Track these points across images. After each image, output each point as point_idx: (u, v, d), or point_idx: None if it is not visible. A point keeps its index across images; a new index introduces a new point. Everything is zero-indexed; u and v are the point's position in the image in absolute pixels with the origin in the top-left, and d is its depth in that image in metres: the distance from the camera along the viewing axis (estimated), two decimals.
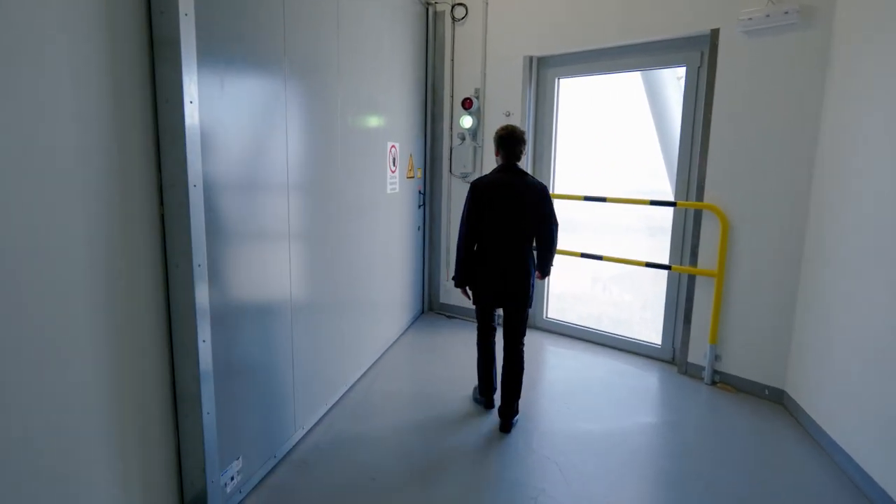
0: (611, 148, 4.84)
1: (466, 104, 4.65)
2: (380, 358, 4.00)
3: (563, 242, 4.64)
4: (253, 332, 2.33)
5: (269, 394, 2.49)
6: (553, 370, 3.93)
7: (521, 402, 3.24)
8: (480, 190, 2.87)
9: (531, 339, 4.54)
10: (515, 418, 3.08)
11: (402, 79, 4.24)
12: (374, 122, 3.66)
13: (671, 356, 4.08)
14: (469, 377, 3.69)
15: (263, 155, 2.34)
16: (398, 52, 4.10)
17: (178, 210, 1.84)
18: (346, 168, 3.18)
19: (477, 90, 4.71)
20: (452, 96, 4.87)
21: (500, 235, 2.87)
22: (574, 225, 4.74)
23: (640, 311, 4.61)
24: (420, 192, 4.78)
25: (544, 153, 4.59)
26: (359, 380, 3.59)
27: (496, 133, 2.94)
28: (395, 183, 4.16)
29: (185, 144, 1.79)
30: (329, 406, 3.15)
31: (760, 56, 3.28)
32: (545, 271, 3.06)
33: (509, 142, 2.88)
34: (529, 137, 4.56)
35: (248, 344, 2.30)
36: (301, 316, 2.73)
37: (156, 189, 1.84)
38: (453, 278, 3.08)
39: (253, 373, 2.35)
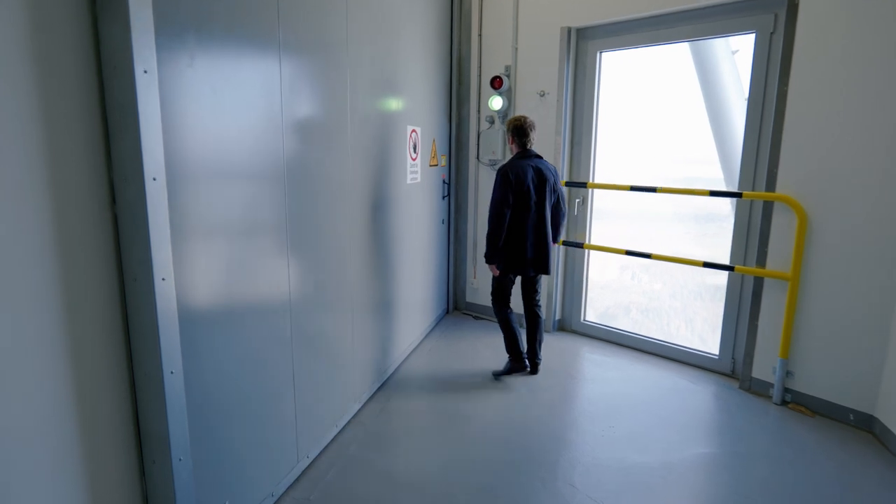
0: (655, 131, 4.30)
1: (496, 84, 4.17)
2: (399, 367, 3.61)
3: (599, 236, 4.16)
4: (241, 352, 1.96)
5: (263, 423, 2.11)
6: (593, 383, 3.47)
7: (557, 421, 2.95)
8: (514, 175, 3.17)
9: (567, 345, 4.08)
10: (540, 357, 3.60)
11: (424, 56, 3.79)
12: (391, 104, 3.23)
13: (730, 369, 3.57)
14: (515, 389, 3.27)
15: (253, 142, 1.94)
16: (419, 26, 3.65)
17: (133, 210, 1.45)
18: (357, 156, 2.77)
19: (507, 68, 4.22)
20: (480, 75, 4.40)
21: (532, 213, 3.24)
22: (604, 214, 4.24)
23: (670, 299, 4.20)
24: (444, 181, 4.35)
25: (583, 138, 4.09)
26: (375, 394, 3.21)
27: (511, 125, 3.31)
28: (416, 172, 3.73)
29: (138, 126, 1.40)
30: (339, 428, 2.77)
31: (855, 15, 2.71)
32: (558, 238, 3.52)
33: (524, 131, 3.28)
34: (566, 120, 4.06)
35: (234, 367, 1.92)
36: (302, 328, 2.34)
37: (107, 184, 1.45)
38: (485, 255, 3.33)
39: (242, 401, 1.98)
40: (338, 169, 2.58)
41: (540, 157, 3.30)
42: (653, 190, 3.60)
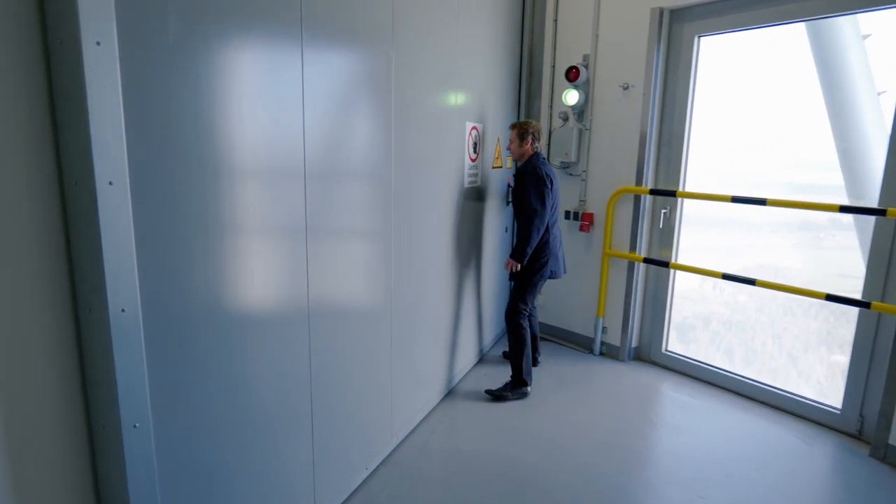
0: (761, 130, 3.60)
1: (572, 75, 3.65)
2: (446, 397, 3.20)
3: (686, 254, 3.53)
4: (239, 395, 1.62)
5: (269, 476, 1.77)
6: (677, 433, 2.88)
7: (632, 482, 2.43)
8: (550, 179, 3.13)
9: (644, 379, 3.50)
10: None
11: (490, 43, 3.35)
12: (446, 98, 2.82)
13: (857, 429, 2.85)
14: (582, 434, 2.77)
15: (267, 139, 1.60)
16: (484, 10, 3.22)
17: (84, 222, 1.14)
18: (401, 157, 2.38)
19: (586, 57, 3.69)
20: (554, 66, 3.89)
21: (557, 216, 3.27)
22: (691, 221, 3.63)
23: (756, 313, 3.59)
24: (509, 185, 3.89)
25: (672, 139, 3.48)
26: (416, 428, 2.81)
27: (529, 126, 3.20)
28: (475, 175, 3.29)
29: (87, 115, 1.07)
30: (369, 471, 2.39)
31: None
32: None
33: (539, 135, 3.25)
34: (653, 117, 3.48)
35: (227, 416, 1.59)
36: (326, 362, 1.98)
37: (57, 190, 1.15)
38: (516, 253, 3.14)
39: (240, 451, 1.64)
40: (370, 166, 2.20)
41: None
42: (761, 202, 2.95)
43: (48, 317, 1.15)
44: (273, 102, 1.61)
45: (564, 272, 3.38)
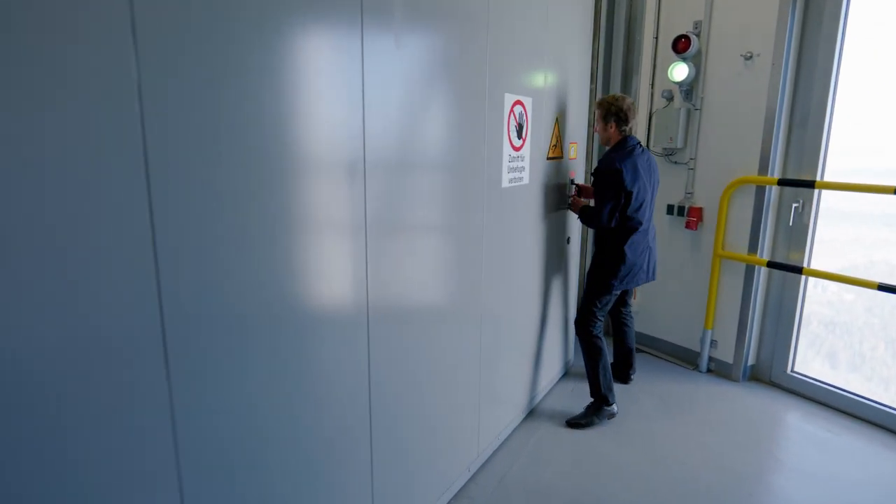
0: None
1: (680, 46, 3.12)
2: (528, 417, 2.84)
3: (827, 259, 2.91)
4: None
5: None
6: (811, 482, 2.32)
7: None
8: (621, 172, 2.52)
9: (765, 406, 2.95)
10: None
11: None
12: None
13: None
14: (686, 474, 2.33)
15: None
16: None
17: None
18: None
19: (697, 24, 3.14)
20: (657, 37, 3.36)
21: (650, 213, 2.72)
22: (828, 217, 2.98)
23: (865, 313, 3.06)
24: (572, 181, 2.99)
25: (809, 118, 2.86)
26: (494, 455, 2.47)
27: (613, 104, 2.60)
28: (520, 169, 2.39)
29: None
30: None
31: None
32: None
33: (626, 115, 2.60)
34: (784, 92, 2.88)
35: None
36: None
37: None
38: (583, 209, 2.74)
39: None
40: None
41: (643, 147, 2.68)
42: None
43: None
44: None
45: (652, 278, 2.84)
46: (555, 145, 2.74)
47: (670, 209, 3.39)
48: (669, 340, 3.57)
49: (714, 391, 3.11)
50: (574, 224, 3.11)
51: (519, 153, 2.35)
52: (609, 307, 2.81)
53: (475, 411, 2.27)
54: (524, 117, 2.36)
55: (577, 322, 2.81)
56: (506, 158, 2.24)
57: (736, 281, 3.17)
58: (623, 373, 3.17)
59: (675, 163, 3.36)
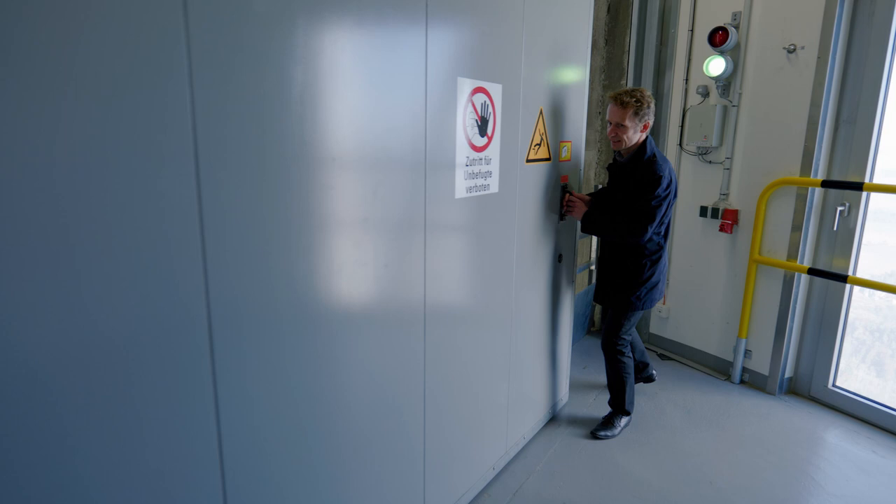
0: None
1: (717, 39, 2.95)
2: (549, 423, 2.73)
3: (875, 263, 2.71)
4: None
5: None
6: None
7: None
8: (674, 180, 2.34)
9: (804, 424, 2.76)
10: None
11: None
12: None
13: None
14: (717, 498, 2.19)
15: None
16: None
17: None
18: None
19: (736, 15, 2.96)
20: (692, 29, 3.19)
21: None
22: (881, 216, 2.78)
23: None
24: (565, 186, 2.48)
25: (858, 114, 2.66)
26: (512, 462, 2.36)
27: (647, 98, 2.22)
28: (483, 174, 1.85)
29: None
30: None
31: None
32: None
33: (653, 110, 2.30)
34: (832, 86, 2.69)
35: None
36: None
37: None
38: (585, 215, 2.40)
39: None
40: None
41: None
42: None
43: None
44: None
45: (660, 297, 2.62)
46: (538, 145, 2.18)
47: (703, 211, 3.22)
48: (700, 349, 3.39)
49: (747, 404, 2.94)
50: (566, 240, 2.59)
51: (482, 154, 1.81)
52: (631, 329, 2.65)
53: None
54: (489, 109, 1.81)
55: (604, 343, 2.60)
56: (461, 161, 1.71)
57: (773, 288, 2.99)
58: (642, 377, 2.97)
59: (710, 162, 3.19)
